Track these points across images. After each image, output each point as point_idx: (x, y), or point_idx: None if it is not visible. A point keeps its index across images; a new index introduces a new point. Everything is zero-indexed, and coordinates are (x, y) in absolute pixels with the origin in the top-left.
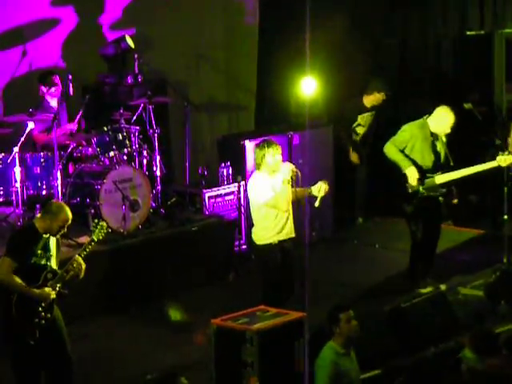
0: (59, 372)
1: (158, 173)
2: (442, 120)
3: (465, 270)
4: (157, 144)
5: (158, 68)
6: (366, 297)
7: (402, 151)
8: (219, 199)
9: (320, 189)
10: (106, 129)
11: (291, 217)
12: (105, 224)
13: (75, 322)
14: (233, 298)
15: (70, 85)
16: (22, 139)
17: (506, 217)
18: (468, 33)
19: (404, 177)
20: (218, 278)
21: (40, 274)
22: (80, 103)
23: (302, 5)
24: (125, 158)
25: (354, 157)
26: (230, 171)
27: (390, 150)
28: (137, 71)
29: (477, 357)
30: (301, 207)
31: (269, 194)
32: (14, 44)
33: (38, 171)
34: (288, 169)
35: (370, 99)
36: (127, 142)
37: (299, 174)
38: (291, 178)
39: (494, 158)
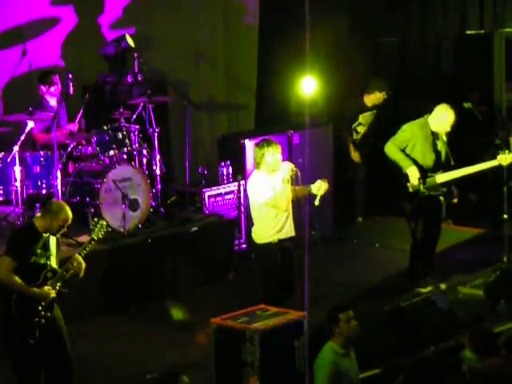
0: (59, 371)
1: (158, 172)
2: (442, 118)
3: (464, 269)
4: (157, 143)
5: (158, 67)
6: (365, 296)
7: (403, 151)
8: (219, 198)
9: (319, 187)
10: (105, 128)
11: (291, 216)
12: (105, 223)
13: (75, 321)
14: (233, 297)
15: (70, 84)
16: (22, 138)
17: (505, 216)
18: (468, 32)
19: (405, 176)
20: (218, 277)
21: (40, 273)
22: (80, 103)
23: (302, 4)
24: (125, 157)
25: (355, 156)
26: (230, 170)
27: (391, 149)
28: (137, 70)
29: (477, 357)
30: (301, 206)
31: (268, 193)
32: (14, 43)
33: (38, 170)
34: (287, 168)
35: (371, 98)
36: (127, 141)
37: (299, 173)
38: (291, 178)
39: (494, 157)
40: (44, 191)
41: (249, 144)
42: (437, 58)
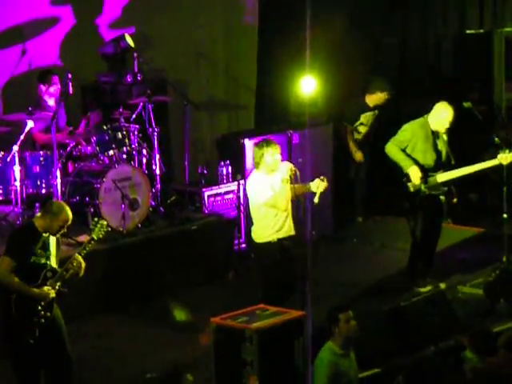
0: (59, 371)
1: (158, 171)
2: (440, 115)
3: (464, 268)
4: (156, 143)
5: (157, 67)
6: (365, 296)
7: (404, 150)
8: (219, 198)
9: (318, 185)
10: (105, 127)
11: (290, 215)
12: (105, 223)
13: (75, 320)
14: (232, 296)
15: (70, 84)
16: (22, 138)
17: (505, 215)
18: (468, 32)
19: (406, 176)
20: (218, 276)
21: (39, 273)
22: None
23: (302, 4)
24: (124, 156)
25: (358, 155)
26: (230, 170)
27: (392, 149)
28: (136, 70)
29: (477, 357)
30: (300, 206)
31: (268, 193)
32: (14, 42)
33: (38, 170)
34: (287, 168)
35: (373, 98)
36: (127, 141)
37: (298, 173)
38: (290, 178)
39: (494, 157)
40: (43, 191)
41: (248, 144)
42: (437, 58)
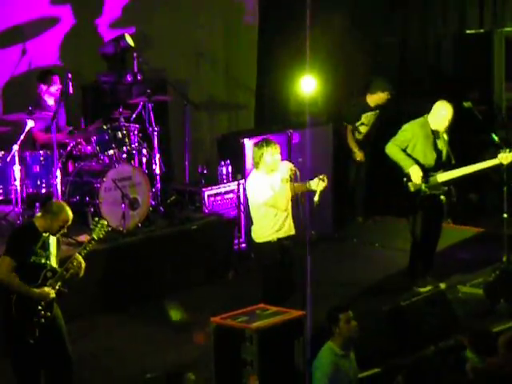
0: (59, 371)
1: (158, 171)
2: (440, 114)
3: (464, 268)
4: (156, 142)
5: (157, 67)
6: (365, 295)
7: (404, 150)
8: (219, 198)
9: (318, 183)
10: (105, 127)
11: (290, 215)
12: (105, 222)
13: (75, 320)
14: (232, 296)
15: (70, 84)
16: (22, 137)
17: (505, 215)
18: (468, 32)
19: (406, 176)
20: (218, 276)
21: (39, 273)
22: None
23: (302, 4)
24: (124, 156)
25: (359, 155)
26: (230, 170)
27: (392, 149)
28: (136, 70)
29: (477, 357)
30: (300, 206)
31: (268, 193)
32: (14, 42)
33: (38, 169)
34: (286, 168)
35: (374, 98)
36: (127, 141)
37: (298, 172)
38: (290, 177)
39: (494, 156)
40: (44, 190)
41: (248, 143)
42: (437, 58)
